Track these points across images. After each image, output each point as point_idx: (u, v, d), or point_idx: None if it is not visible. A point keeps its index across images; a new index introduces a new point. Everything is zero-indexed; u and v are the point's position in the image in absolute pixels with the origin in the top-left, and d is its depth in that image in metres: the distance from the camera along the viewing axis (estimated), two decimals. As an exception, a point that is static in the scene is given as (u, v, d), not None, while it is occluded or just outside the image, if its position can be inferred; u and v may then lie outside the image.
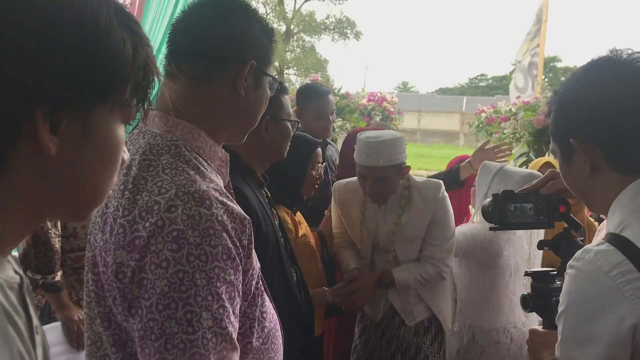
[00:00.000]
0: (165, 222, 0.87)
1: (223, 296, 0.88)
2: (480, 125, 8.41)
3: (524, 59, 9.91)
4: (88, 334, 1.01)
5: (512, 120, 5.28)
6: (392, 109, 7.65)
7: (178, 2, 3.49)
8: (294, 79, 25.12)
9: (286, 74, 25.88)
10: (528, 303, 1.40)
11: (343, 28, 28.29)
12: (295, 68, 26.52)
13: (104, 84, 0.63)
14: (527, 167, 3.38)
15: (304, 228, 2.24)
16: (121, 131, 0.69)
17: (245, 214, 0.98)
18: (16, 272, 0.63)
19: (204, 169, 1.00)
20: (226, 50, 1.06)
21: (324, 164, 3.08)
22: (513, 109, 6.44)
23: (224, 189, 1.00)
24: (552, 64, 41.49)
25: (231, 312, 0.90)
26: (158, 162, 0.97)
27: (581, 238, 1.44)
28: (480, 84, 56.14)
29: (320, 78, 8.84)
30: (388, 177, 2.26)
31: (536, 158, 4.80)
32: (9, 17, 0.56)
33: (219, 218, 0.90)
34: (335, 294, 2.26)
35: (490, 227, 1.52)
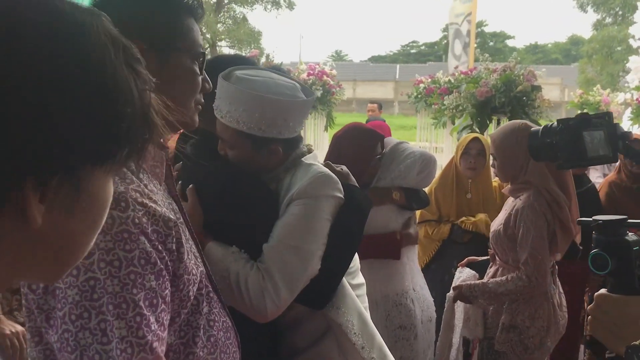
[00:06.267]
0: None
1: (140, 303, 0.84)
2: (419, 96, 8.48)
3: (462, 25, 9.90)
4: (29, 350, 0.95)
5: (455, 92, 5.31)
6: (332, 82, 7.57)
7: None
8: (227, 52, 24.50)
9: (219, 46, 25.20)
10: (607, 263, 0.96)
11: (275, -3, 27.73)
12: (227, 40, 25.83)
13: (106, 146, 0.53)
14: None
15: None
16: (111, 185, 0.60)
17: (170, 216, 0.92)
18: None
19: (124, 169, 0.91)
20: None
21: None
22: (452, 80, 6.51)
23: (149, 189, 0.93)
24: (479, 29, 42.54)
25: (152, 320, 0.85)
26: None
27: None
28: (412, 50, 56.69)
29: (257, 52, 8.63)
30: (232, 144, 1.56)
31: (480, 130, 4.87)
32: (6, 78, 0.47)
33: (136, 221, 0.85)
34: None
35: (557, 166, 1.20)
